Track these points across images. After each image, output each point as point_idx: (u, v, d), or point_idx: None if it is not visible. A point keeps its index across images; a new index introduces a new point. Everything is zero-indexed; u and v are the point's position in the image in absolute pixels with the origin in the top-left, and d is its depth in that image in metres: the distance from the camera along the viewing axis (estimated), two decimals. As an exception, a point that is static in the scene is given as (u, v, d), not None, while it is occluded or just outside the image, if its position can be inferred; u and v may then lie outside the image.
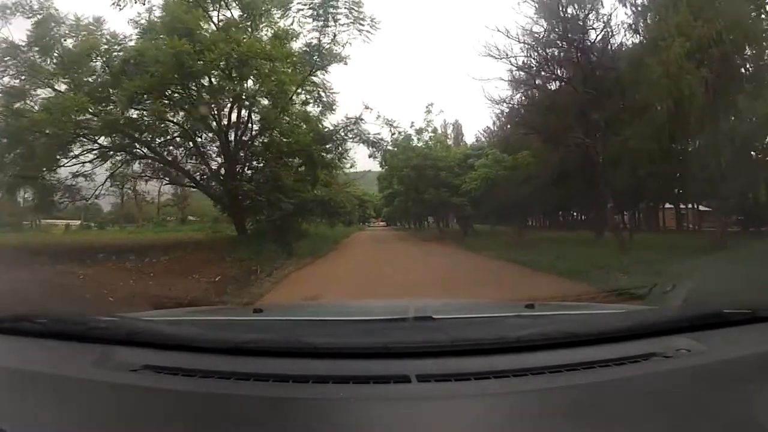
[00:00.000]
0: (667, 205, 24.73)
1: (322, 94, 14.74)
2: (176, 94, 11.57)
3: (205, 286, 7.85)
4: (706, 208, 22.24)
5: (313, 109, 15.20)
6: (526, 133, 16.50)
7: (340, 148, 15.40)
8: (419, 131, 23.38)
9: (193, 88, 12.00)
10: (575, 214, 34.15)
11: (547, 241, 15.95)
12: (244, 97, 11.58)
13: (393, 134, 15.72)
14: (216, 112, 13.07)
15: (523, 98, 16.26)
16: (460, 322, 1.61)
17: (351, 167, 17.79)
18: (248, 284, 8.20)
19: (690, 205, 23.96)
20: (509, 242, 16.68)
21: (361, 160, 44.21)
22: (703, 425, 0.93)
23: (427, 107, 23.44)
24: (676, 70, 9.65)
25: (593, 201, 17.25)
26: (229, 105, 12.91)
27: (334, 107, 15.03)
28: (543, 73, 14.70)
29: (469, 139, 34.22)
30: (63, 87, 12.05)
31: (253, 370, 1.10)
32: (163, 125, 13.32)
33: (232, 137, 13.86)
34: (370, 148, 15.53)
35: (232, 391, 1.03)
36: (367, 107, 15.23)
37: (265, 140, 14.29)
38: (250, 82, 11.49)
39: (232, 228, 15.58)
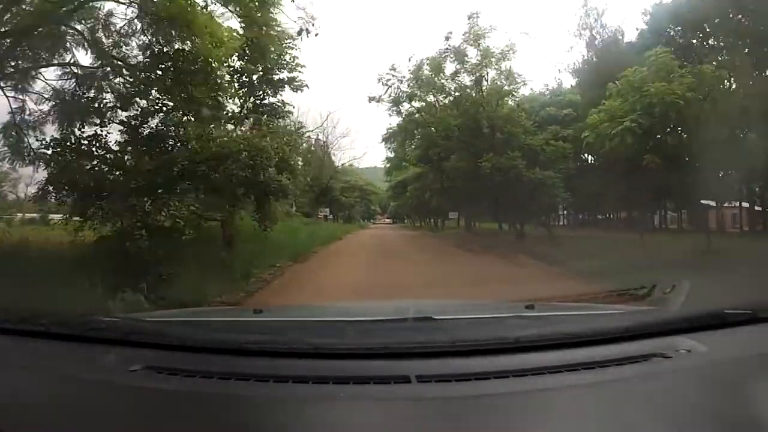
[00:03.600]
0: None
1: None
2: None
3: None
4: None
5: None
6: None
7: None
8: (459, 53, 13.57)
9: None
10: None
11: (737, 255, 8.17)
12: None
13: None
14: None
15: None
16: (460, 323, 1.57)
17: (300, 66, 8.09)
18: None
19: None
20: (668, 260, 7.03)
21: (364, 152, 36.71)
22: (703, 425, 0.93)
23: (470, 16, 13.63)
24: None
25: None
26: None
27: None
28: None
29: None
30: None
31: (254, 371, 1.11)
32: None
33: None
34: None
35: (232, 392, 1.04)
36: None
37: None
38: None
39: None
